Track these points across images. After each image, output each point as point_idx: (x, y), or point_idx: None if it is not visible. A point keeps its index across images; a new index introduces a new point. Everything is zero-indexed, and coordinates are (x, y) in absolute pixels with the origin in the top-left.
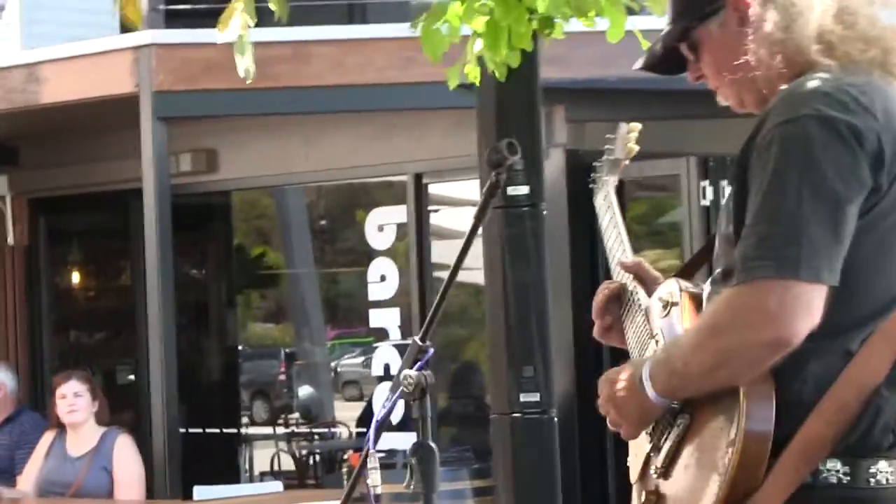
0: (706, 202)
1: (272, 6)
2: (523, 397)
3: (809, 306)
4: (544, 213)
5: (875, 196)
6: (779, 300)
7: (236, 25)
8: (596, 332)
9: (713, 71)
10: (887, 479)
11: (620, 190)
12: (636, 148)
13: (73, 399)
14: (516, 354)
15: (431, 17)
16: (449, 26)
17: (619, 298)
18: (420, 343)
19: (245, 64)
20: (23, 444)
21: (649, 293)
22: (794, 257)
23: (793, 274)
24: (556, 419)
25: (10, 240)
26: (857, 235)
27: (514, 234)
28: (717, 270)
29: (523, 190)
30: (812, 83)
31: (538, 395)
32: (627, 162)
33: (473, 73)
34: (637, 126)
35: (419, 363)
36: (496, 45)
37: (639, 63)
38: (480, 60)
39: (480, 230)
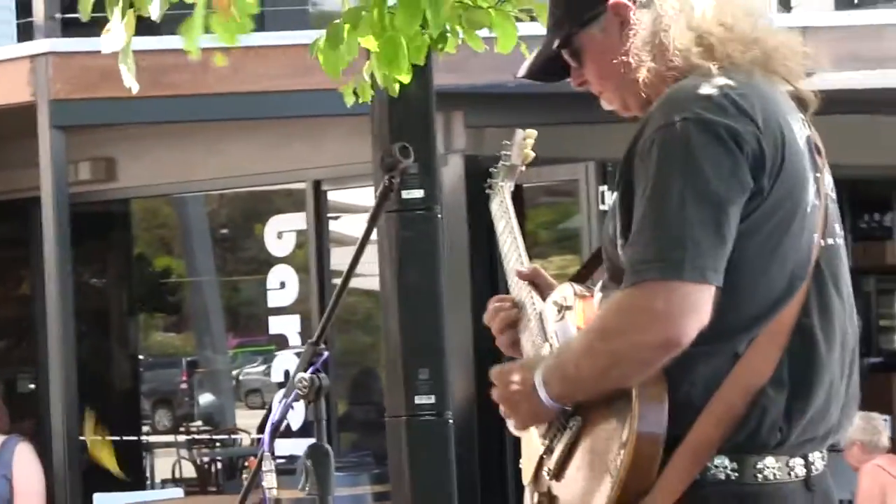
0: (605, 207)
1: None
2: (418, 399)
3: (697, 306)
4: (439, 216)
5: (757, 198)
6: (666, 301)
7: (119, 34)
8: (501, 347)
9: (596, 76)
10: (774, 475)
11: (520, 195)
12: (532, 154)
13: None
14: (410, 357)
15: (329, 41)
16: (346, 46)
17: (517, 316)
18: (315, 346)
19: (130, 78)
20: None
21: (545, 299)
22: (679, 259)
23: (678, 275)
24: (451, 421)
25: None
26: (740, 238)
27: (408, 237)
28: (606, 275)
29: (417, 193)
30: (691, 87)
31: (433, 397)
32: (523, 168)
33: (365, 94)
34: (533, 133)
35: (314, 366)
36: (396, 60)
37: (522, 71)
38: (373, 76)
39: (375, 234)
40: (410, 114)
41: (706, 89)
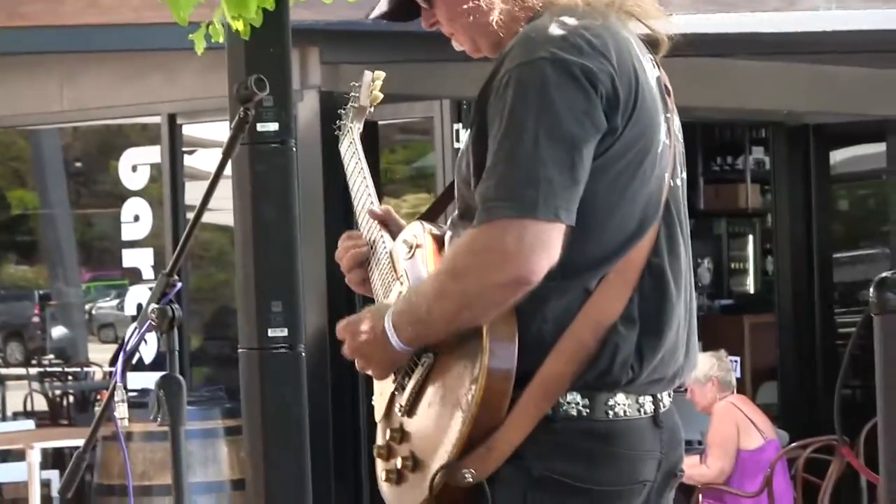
0: (459, 145)
1: None
2: (271, 332)
3: (547, 244)
4: (294, 149)
5: (610, 138)
6: (517, 239)
7: None
8: (351, 284)
9: (446, 17)
10: (624, 411)
11: (374, 133)
12: (380, 95)
13: None
14: (264, 289)
15: None
16: None
17: (368, 254)
18: (168, 277)
19: None
20: None
21: (395, 239)
22: (531, 197)
23: (530, 213)
24: (303, 354)
25: None
26: (592, 176)
27: (262, 170)
28: (455, 212)
29: (272, 126)
30: (547, 26)
31: (286, 330)
32: (372, 109)
33: (217, 35)
34: (381, 74)
35: (167, 297)
36: (245, 5)
37: (375, 12)
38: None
39: (230, 169)
40: (265, 48)
41: (562, 29)
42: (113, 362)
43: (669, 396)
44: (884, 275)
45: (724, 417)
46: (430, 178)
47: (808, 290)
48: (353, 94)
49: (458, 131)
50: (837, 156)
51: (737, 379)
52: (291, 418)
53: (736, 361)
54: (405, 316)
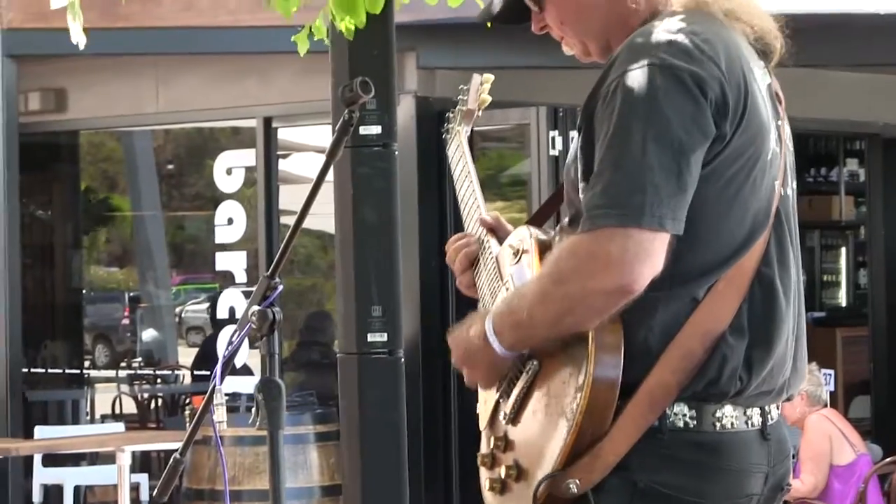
0: (555, 152)
1: None
2: (370, 337)
3: (651, 254)
4: (396, 153)
5: (719, 144)
6: (621, 248)
7: None
8: (461, 287)
9: (557, 20)
10: (732, 423)
11: (471, 139)
12: (489, 99)
13: None
14: (364, 294)
15: None
16: None
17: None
18: (269, 280)
19: (77, 30)
20: None
21: (502, 244)
22: (637, 205)
23: (636, 222)
24: (402, 360)
25: None
26: (701, 184)
27: (364, 173)
28: (565, 218)
29: (375, 130)
30: (656, 31)
31: (385, 335)
32: (480, 113)
33: (320, 31)
34: (490, 77)
35: (268, 300)
36: (354, 8)
37: (485, 14)
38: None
39: (331, 170)
40: (369, 50)
41: (670, 34)
42: (196, 365)
43: (777, 409)
44: None
45: (816, 431)
46: (525, 186)
47: None
48: (460, 97)
49: (553, 138)
50: None
51: (829, 392)
52: (389, 424)
53: (829, 375)
54: (506, 319)
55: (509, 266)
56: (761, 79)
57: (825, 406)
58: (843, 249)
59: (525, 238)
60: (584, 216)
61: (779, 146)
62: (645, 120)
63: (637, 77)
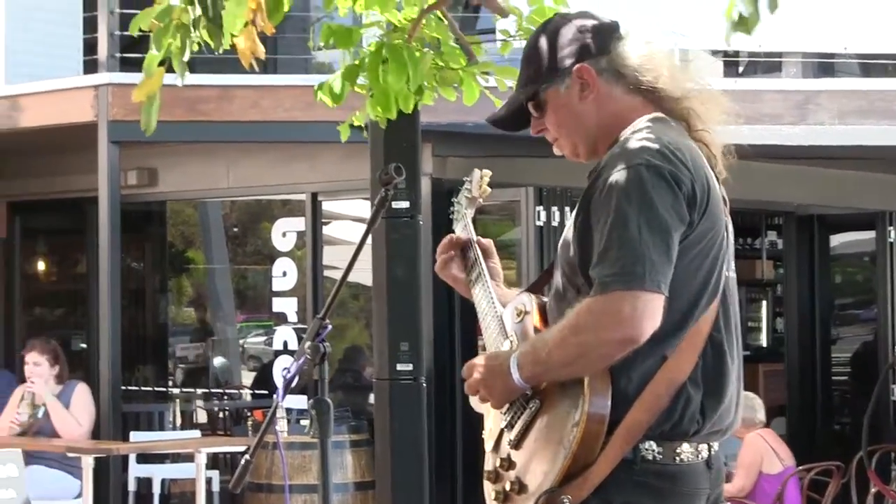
0: (540, 223)
1: (175, 69)
2: (399, 367)
3: (654, 312)
4: (420, 223)
5: (688, 229)
6: (631, 307)
7: (145, 91)
8: (437, 266)
9: (555, 126)
10: (688, 457)
11: (474, 216)
12: (489, 190)
13: (33, 368)
14: (395, 333)
15: (332, 96)
16: (342, 89)
17: (464, 252)
18: (321, 321)
19: (148, 118)
20: None
21: (489, 269)
22: (640, 273)
23: (640, 286)
24: (424, 385)
25: None
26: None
27: (396, 238)
28: (557, 287)
29: (405, 204)
30: (640, 140)
31: (411, 365)
32: (482, 200)
33: (360, 119)
34: (488, 172)
35: (319, 336)
36: (387, 106)
37: (490, 117)
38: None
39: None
40: (400, 141)
41: (651, 142)
42: (255, 386)
43: (718, 443)
44: None
45: (750, 446)
46: (515, 248)
47: (811, 344)
48: (465, 186)
49: (539, 212)
50: (836, 240)
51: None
52: (414, 435)
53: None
54: (529, 356)
55: (513, 324)
56: (715, 183)
57: (764, 426)
58: (764, 302)
59: (527, 302)
60: (595, 284)
61: (726, 236)
62: (638, 207)
63: (630, 174)
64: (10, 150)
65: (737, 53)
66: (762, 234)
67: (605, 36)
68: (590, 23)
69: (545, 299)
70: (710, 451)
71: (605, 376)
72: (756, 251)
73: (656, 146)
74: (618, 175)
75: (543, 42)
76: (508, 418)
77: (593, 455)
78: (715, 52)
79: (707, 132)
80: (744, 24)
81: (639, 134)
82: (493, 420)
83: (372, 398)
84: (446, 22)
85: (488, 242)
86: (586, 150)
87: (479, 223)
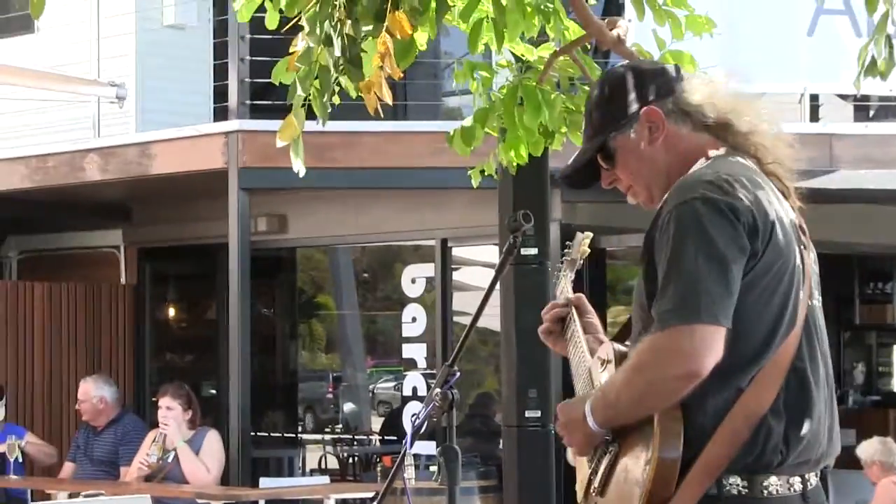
0: None
1: (317, 112)
2: (528, 413)
3: (712, 345)
4: (549, 269)
5: (753, 260)
6: (690, 341)
7: (289, 134)
8: (541, 333)
9: (627, 173)
10: (777, 490)
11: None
12: (588, 251)
13: (165, 412)
14: (523, 380)
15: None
16: (475, 132)
17: (563, 320)
18: (450, 368)
19: (298, 164)
20: (126, 441)
21: (584, 325)
22: (696, 307)
23: (697, 319)
24: (552, 432)
25: (123, 280)
26: (742, 292)
27: (524, 285)
28: (634, 332)
29: (533, 251)
30: (697, 175)
31: (539, 412)
32: (581, 262)
33: (490, 168)
34: (589, 234)
35: (448, 384)
36: (518, 150)
37: (560, 173)
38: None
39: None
40: (529, 187)
41: (709, 177)
42: (384, 431)
43: (816, 476)
44: None
45: (884, 492)
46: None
47: None
48: (567, 249)
49: None
50: None
51: None
52: (542, 482)
53: None
54: (600, 402)
55: (598, 374)
56: (785, 213)
57: None
58: (895, 346)
59: (609, 352)
60: (655, 321)
61: (803, 266)
62: (695, 240)
63: (685, 210)
64: (141, 197)
65: (867, 98)
66: (893, 279)
67: (667, 78)
68: (650, 68)
69: (625, 348)
70: (804, 483)
71: (676, 414)
72: (887, 296)
73: (712, 178)
74: (675, 211)
75: (607, 91)
76: (593, 465)
77: (670, 491)
78: (844, 97)
79: (779, 165)
80: (875, 69)
81: (698, 171)
82: (582, 468)
83: (501, 444)
84: (577, 64)
85: (578, 300)
86: (661, 192)
87: (609, 268)
